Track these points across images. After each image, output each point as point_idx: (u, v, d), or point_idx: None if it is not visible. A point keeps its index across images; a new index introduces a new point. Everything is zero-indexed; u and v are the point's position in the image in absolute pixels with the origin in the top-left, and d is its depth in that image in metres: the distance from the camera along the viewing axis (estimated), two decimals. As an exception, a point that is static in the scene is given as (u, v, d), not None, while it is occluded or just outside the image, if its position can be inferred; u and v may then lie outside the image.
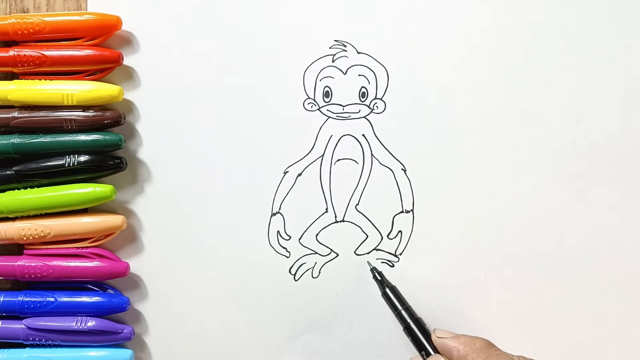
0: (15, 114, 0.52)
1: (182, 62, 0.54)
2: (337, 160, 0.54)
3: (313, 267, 0.54)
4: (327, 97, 0.54)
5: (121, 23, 0.53)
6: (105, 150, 0.52)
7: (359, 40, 0.54)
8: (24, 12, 0.54)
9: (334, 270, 0.54)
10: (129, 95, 0.54)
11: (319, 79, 0.54)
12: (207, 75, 0.54)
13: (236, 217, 0.54)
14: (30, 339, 0.53)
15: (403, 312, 0.50)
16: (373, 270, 0.53)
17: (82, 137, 0.51)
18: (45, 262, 0.53)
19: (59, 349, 0.53)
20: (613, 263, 0.53)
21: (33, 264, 0.52)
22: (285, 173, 0.54)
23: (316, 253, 0.54)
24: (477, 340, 0.46)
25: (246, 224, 0.54)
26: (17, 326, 0.53)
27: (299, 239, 0.54)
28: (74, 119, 0.51)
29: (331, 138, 0.54)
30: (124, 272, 0.53)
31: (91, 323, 0.52)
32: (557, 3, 0.53)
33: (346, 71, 0.54)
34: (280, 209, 0.54)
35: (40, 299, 0.53)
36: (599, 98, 0.53)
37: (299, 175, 0.54)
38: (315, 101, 0.54)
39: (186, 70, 0.54)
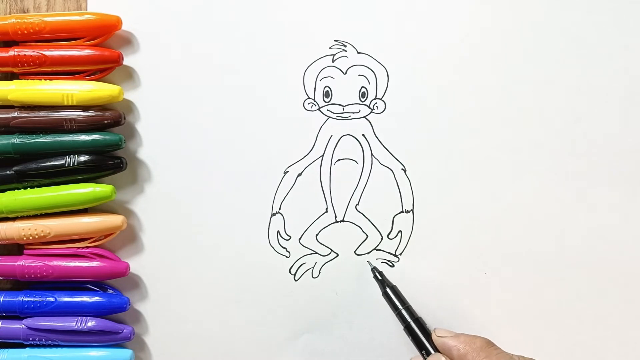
0: (15, 114, 0.52)
1: (182, 62, 0.54)
2: (337, 160, 0.54)
3: (313, 267, 0.54)
4: (327, 97, 0.54)
5: (121, 23, 0.53)
6: (105, 150, 0.52)
7: (359, 40, 0.54)
8: (24, 12, 0.54)
9: (334, 270, 0.54)
10: (129, 95, 0.54)
11: (319, 79, 0.54)
12: (207, 75, 0.54)
13: (236, 217, 0.54)
14: (30, 339, 0.53)
15: (403, 312, 0.50)
16: (374, 270, 0.53)
17: (82, 137, 0.51)
18: (45, 262, 0.52)
19: (59, 349, 0.53)
20: (613, 263, 0.53)
21: (33, 264, 0.52)
22: (285, 173, 0.54)
23: (316, 253, 0.54)
24: (477, 339, 0.46)
25: (246, 224, 0.54)
26: (17, 326, 0.53)
27: (299, 239, 0.54)
28: (74, 119, 0.51)
29: (331, 138, 0.54)
30: (124, 272, 0.53)
31: (91, 323, 0.52)
32: (557, 3, 0.53)
33: (346, 71, 0.54)
34: (280, 209, 0.54)
35: (40, 299, 0.53)
36: (599, 98, 0.53)
37: (299, 175, 0.54)
38: (315, 101, 0.54)
39: (186, 70, 0.54)
